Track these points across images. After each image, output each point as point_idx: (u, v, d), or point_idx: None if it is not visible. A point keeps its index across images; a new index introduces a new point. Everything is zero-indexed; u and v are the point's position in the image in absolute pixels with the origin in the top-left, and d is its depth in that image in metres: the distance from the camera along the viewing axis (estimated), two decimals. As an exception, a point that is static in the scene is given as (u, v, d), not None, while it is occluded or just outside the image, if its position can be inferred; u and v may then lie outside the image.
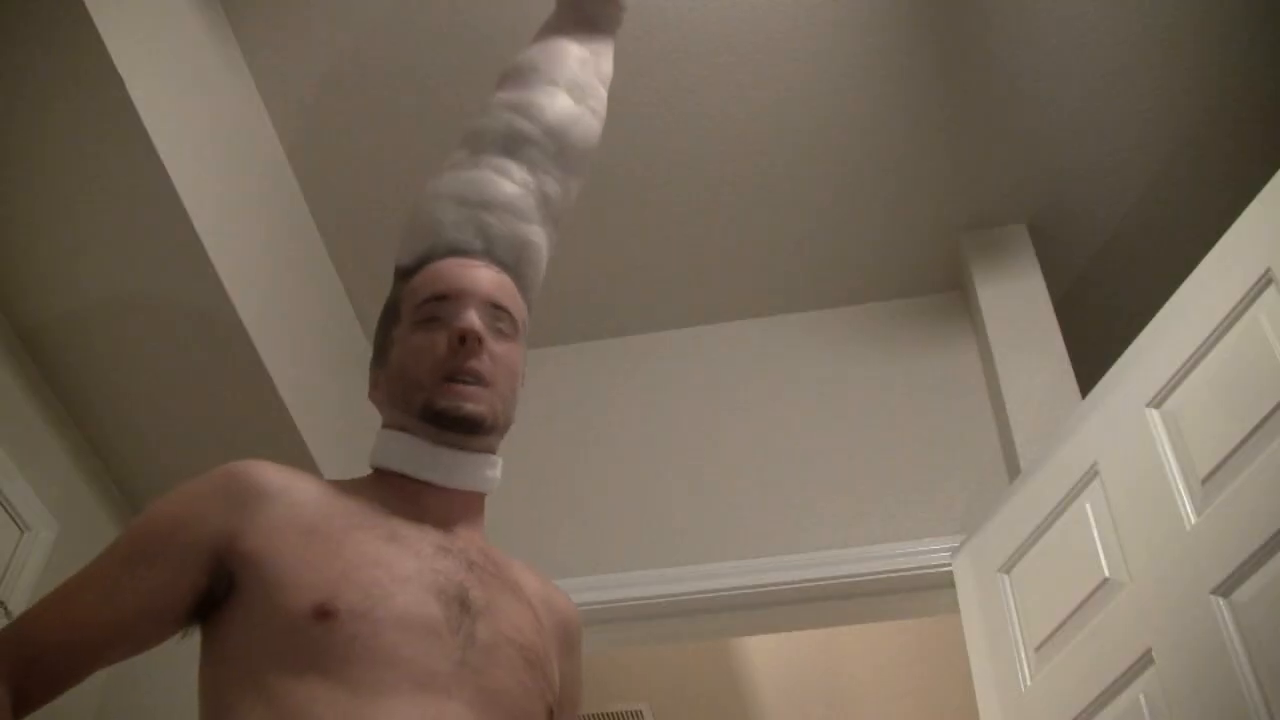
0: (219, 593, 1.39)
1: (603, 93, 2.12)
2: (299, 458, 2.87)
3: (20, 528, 2.50)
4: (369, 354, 3.35)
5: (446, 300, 1.60)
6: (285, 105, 2.99)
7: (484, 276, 1.65)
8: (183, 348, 2.68)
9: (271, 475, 1.48)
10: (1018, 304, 3.12)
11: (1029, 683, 2.34)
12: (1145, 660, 2.03)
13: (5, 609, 2.39)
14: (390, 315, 1.67)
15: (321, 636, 1.31)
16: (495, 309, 1.62)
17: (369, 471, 1.61)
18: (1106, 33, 2.86)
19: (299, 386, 2.88)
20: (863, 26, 2.87)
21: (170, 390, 2.76)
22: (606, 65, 2.19)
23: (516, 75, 2.05)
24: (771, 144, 3.09)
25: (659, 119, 3.04)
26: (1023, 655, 2.39)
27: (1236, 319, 2.07)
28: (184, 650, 1.49)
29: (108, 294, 2.59)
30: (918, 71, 2.95)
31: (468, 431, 1.55)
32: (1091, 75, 2.94)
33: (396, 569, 1.40)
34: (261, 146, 2.96)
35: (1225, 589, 1.90)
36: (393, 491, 1.54)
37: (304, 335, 3.02)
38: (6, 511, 2.46)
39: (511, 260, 1.73)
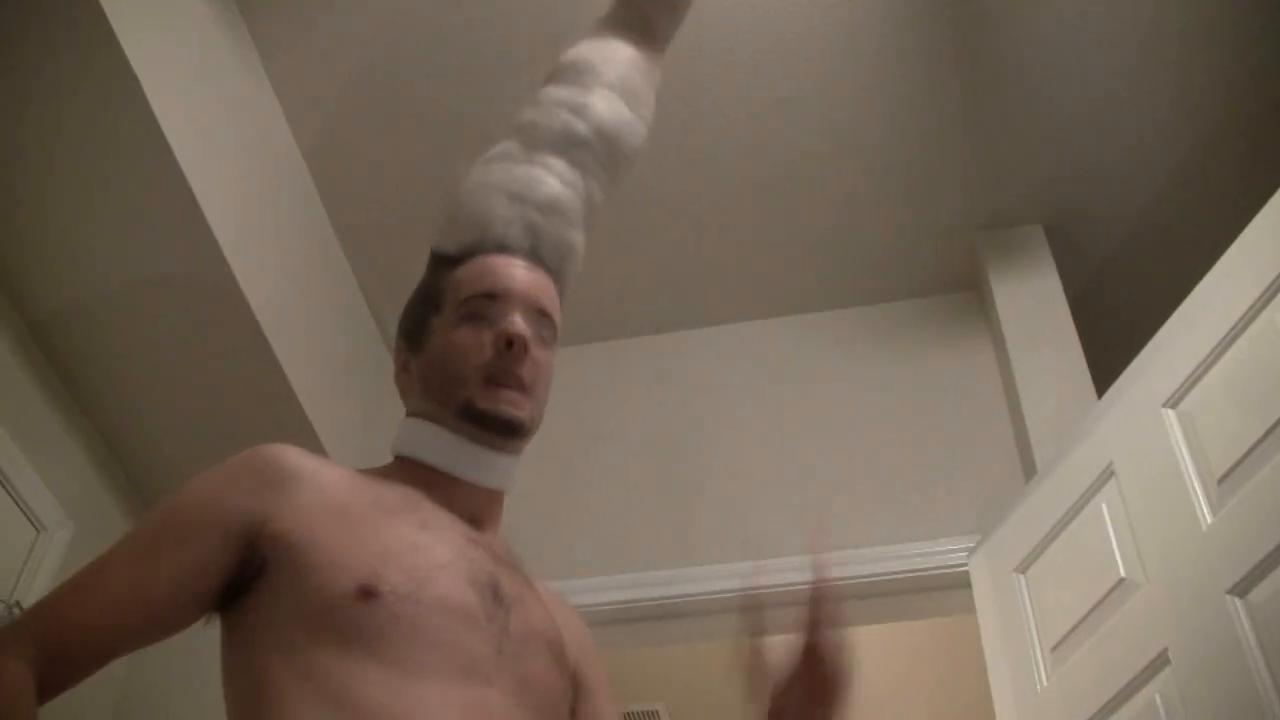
0: (247, 576, 1.38)
1: (652, 100, 2.09)
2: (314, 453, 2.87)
3: (36, 528, 2.51)
4: (383, 349, 3.39)
5: (494, 299, 1.59)
6: (300, 101, 3.00)
7: (532, 280, 1.64)
8: (197, 345, 2.69)
9: (301, 458, 1.47)
10: (1033, 304, 3.12)
11: (1045, 683, 2.34)
12: (1161, 660, 2.03)
13: (21, 609, 2.40)
14: (429, 302, 1.65)
15: (365, 616, 1.30)
16: (539, 314, 1.62)
17: (387, 462, 1.61)
18: (1122, 33, 2.86)
19: (314, 383, 2.89)
20: (878, 27, 2.87)
21: (186, 388, 2.77)
22: (658, 74, 2.16)
23: (572, 72, 2.00)
24: (786, 144, 3.09)
25: (673, 118, 3.03)
26: (1039, 655, 2.39)
27: (1253, 319, 2.07)
28: (202, 638, 1.49)
29: (122, 291, 2.60)
30: (933, 72, 2.95)
31: (506, 435, 1.55)
32: (1107, 75, 2.93)
33: (433, 555, 1.40)
34: (276, 142, 2.97)
35: (1241, 589, 1.89)
36: (419, 481, 1.53)
37: (318, 330, 3.03)
38: (22, 511, 2.47)
39: (555, 264, 1.72)
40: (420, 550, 1.39)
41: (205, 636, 1.46)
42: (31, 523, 2.50)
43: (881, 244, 3.31)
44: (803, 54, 2.92)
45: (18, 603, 2.40)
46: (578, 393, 3.38)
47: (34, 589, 2.45)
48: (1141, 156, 3.09)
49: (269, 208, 2.86)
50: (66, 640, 1.32)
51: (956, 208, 3.23)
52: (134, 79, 2.27)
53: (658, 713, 4.99)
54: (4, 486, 2.44)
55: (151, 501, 2.93)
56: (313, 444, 2.88)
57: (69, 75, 2.28)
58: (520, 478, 1.66)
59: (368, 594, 1.31)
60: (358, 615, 1.31)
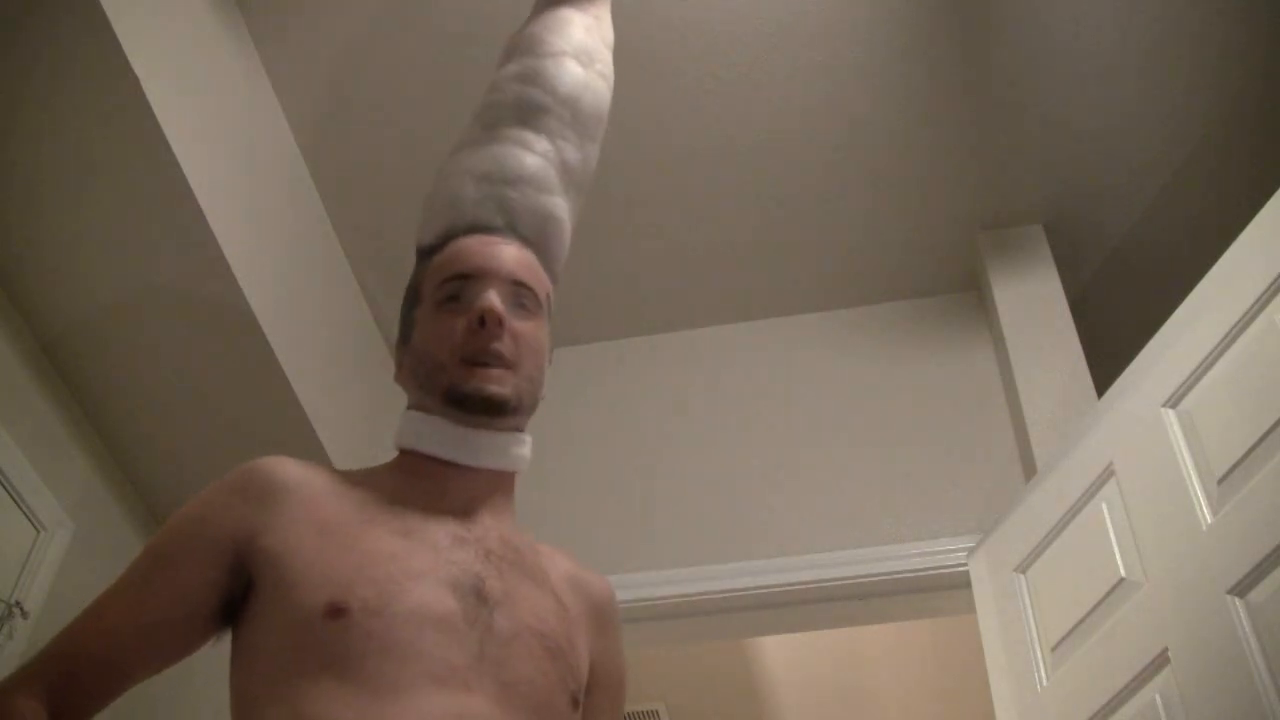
0: (239, 592, 1.39)
1: (608, 56, 2.08)
2: (316, 458, 2.86)
3: (36, 527, 2.51)
4: (384, 352, 3.38)
5: (468, 279, 1.57)
6: (299, 102, 3.00)
7: (506, 253, 1.62)
8: (198, 348, 2.69)
9: (290, 470, 1.47)
10: (1034, 304, 3.12)
11: (1045, 683, 2.34)
12: (1161, 660, 2.03)
13: (21, 609, 2.40)
14: (412, 296, 1.65)
15: (335, 635, 1.30)
16: (518, 286, 1.59)
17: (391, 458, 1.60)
18: (1122, 33, 2.85)
19: (315, 386, 2.89)
20: (879, 27, 2.87)
21: (186, 390, 2.77)
22: (608, 30, 2.15)
23: (521, 48, 2.01)
24: (787, 144, 3.09)
25: (671, 118, 3.04)
26: (1039, 655, 2.39)
27: (1253, 319, 2.07)
28: (204, 664, 1.50)
29: (124, 296, 2.60)
30: (934, 72, 2.94)
31: (492, 414, 1.52)
32: (1108, 75, 2.93)
33: (410, 564, 1.38)
34: (277, 145, 2.97)
35: (1241, 589, 1.89)
36: (416, 475, 1.52)
37: (320, 333, 3.03)
38: (22, 511, 2.47)
39: (534, 234, 1.70)
40: (397, 560, 1.38)
41: (204, 660, 1.47)
42: (31, 523, 2.50)
43: (881, 244, 3.31)
44: (802, 54, 2.92)
45: (18, 603, 2.40)
46: (579, 392, 3.38)
47: (34, 589, 2.45)
48: (1142, 156, 3.08)
49: (270, 209, 2.86)
50: (75, 673, 1.34)
51: (956, 208, 3.23)
52: (136, 85, 2.27)
53: (658, 713, 4.99)
54: (4, 486, 2.44)
55: (152, 501, 2.93)
56: (317, 452, 2.90)
57: (70, 81, 2.27)
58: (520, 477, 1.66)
59: (337, 611, 1.31)
60: (329, 634, 1.30)
